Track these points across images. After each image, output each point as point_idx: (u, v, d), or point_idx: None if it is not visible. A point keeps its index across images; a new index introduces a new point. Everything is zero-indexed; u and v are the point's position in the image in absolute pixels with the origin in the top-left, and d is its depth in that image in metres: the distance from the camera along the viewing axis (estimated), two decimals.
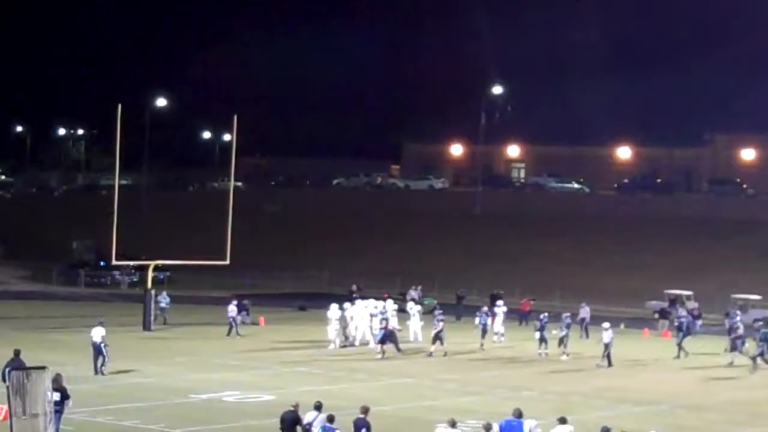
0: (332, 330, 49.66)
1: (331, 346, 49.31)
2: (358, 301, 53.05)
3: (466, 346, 51.19)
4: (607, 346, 46.93)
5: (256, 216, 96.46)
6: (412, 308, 53.84)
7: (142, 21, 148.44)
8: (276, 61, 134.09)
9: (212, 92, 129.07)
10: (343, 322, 50.21)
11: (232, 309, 53.09)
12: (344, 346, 49.61)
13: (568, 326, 49.13)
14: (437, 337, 48.19)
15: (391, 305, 51.77)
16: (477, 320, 52.04)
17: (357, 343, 50.39)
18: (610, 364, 46.66)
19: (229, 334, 52.75)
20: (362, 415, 25.59)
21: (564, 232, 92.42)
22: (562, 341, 48.62)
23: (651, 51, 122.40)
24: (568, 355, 48.58)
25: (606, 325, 47.55)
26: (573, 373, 45.29)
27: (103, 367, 40.00)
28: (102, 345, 40.10)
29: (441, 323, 48.55)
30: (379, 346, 47.42)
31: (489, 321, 52.22)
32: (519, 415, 25.79)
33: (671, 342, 58.44)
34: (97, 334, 40.29)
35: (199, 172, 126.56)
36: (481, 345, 50.72)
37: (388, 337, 47.54)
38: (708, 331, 63.48)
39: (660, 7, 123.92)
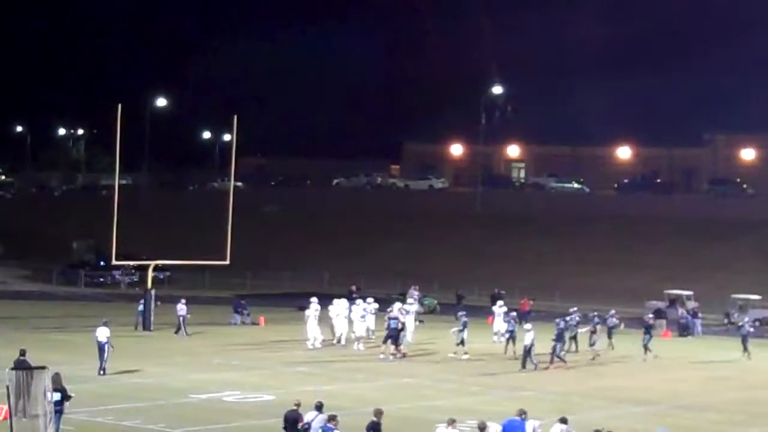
0: (310, 328, 49.69)
1: (309, 343, 49.38)
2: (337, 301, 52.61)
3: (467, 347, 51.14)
4: (526, 348, 44.69)
5: (256, 216, 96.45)
6: (410, 307, 53.61)
7: (142, 21, 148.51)
8: (276, 61, 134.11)
9: (212, 92, 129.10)
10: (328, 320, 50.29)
11: (181, 308, 53.35)
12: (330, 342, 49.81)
13: (465, 324, 48.04)
14: (389, 337, 47.81)
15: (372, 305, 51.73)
16: (505, 327, 50.11)
17: (342, 341, 50.20)
18: (524, 366, 44.55)
19: (177, 332, 52.87)
20: (375, 419, 25.51)
21: (564, 232, 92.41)
22: (462, 340, 47.84)
23: (651, 51, 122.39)
24: (466, 353, 47.60)
25: (528, 326, 45.79)
26: (573, 373, 45.27)
27: (102, 369, 39.98)
28: (107, 345, 40.13)
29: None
30: (383, 345, 47.47)
31: (517, 327, 48.80)
32: (522, 414, 25.79)
33: (671, 342, 58.64)
34: (102, 334, 40.31)
35: (199, 172, 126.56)
36: (513, 353, 48.07)
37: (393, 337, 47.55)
38: (708, 331, 63.57)
39: (660, 7, 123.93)
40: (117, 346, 41.83)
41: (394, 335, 47.31)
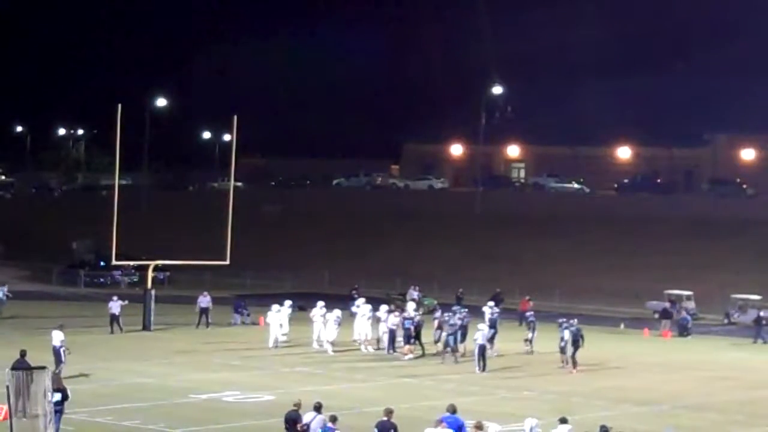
0: (272, 329, 49.79)
1: (270, 344, 49.31)
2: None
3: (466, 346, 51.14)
4: (480, 347, 44.05)
5: (256, 216, 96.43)
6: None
7: (142, 21, 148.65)
8: (276, 61, 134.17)
9: (212, 92, 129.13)
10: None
11: (112, 306, 53.06)
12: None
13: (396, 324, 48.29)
14: (408, 337, 47.80)
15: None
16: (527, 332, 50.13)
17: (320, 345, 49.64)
18: (483, 368, 43.93)
19: (112, 331, 52.41)
20: (386, 418, 25.54)
21: (564, 232, 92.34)
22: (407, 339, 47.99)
23: (651, 51, 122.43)
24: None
25: (481, 325, 45.63)
26: (573, 373, 45.23)
27: (59, 372, 39.15)
28: (62, 349, 39.06)
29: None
30: (406, 347, 47.58)
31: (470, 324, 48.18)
32: (453, 410, 26.16)
33: (671, 342, 58.66)
34: (57, 338, 39.26)
35: (199, 172, 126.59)
36: (530, 353, 49.11)
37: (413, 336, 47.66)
38: (708, 331, 63.58)
39: (660, 7, 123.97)
40: (117, 346, 41.82)
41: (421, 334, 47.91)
